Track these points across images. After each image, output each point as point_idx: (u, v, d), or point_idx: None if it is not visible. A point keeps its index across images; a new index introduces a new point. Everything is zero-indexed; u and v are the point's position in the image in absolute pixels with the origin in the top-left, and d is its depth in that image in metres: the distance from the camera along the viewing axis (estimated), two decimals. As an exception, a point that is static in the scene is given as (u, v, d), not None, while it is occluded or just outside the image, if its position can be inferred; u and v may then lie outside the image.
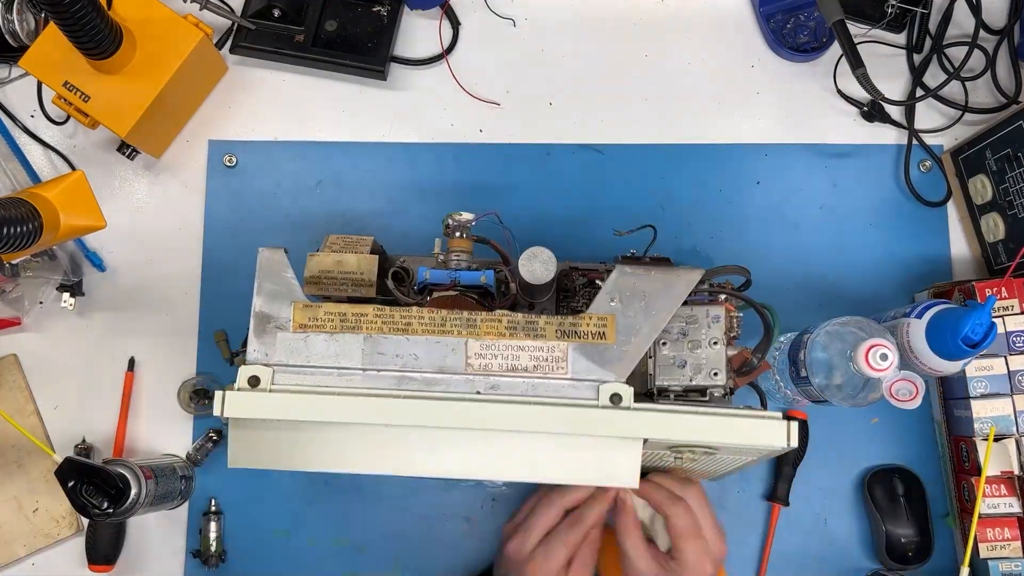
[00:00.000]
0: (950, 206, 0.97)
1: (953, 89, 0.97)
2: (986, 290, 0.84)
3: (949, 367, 0.79)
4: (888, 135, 0.98)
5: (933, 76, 0.98)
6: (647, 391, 0.70)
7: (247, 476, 0.91)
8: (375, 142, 0.98)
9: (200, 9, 0.93)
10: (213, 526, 0.89)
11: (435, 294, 0.71)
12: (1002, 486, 0.84)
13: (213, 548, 0.89)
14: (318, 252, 0.73)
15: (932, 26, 0.99)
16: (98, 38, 0.82)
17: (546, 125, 0.98)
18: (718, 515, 0.76)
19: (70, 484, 0.74)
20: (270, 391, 0.64)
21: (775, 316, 0.71)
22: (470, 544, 0.91)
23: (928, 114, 0.99)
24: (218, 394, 0.64)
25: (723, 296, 0.71)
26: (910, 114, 0.98)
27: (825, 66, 0.98)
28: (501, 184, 0.97)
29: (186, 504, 0.90)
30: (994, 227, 0.91)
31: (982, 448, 0.83)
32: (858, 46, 0.88)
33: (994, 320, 0.74)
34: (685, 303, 0.68)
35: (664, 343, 0.69)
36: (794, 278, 0.95)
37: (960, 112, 0.97)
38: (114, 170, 0.97)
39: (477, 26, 1.00)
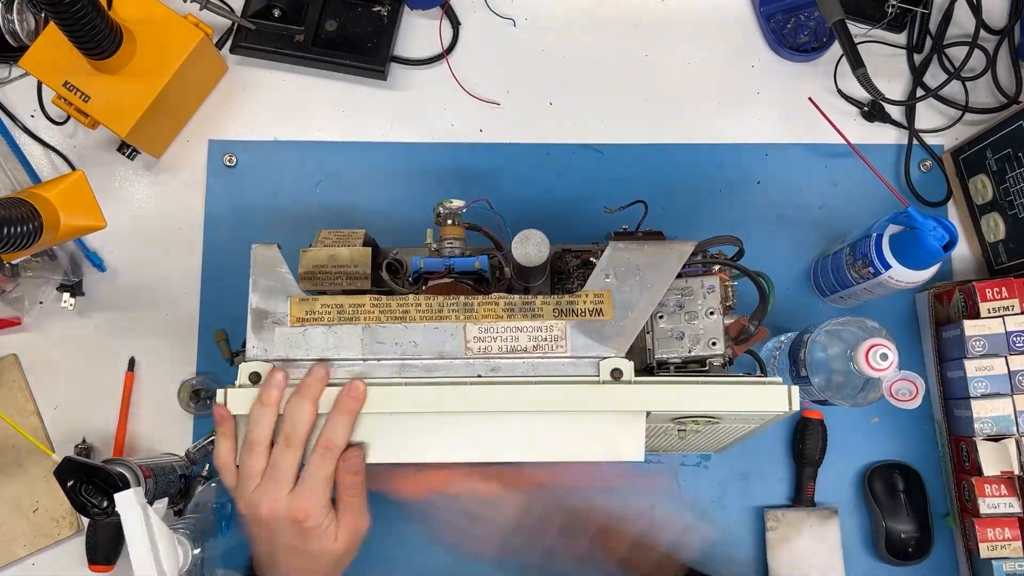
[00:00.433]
0: (950, 206, 0.97)
1: (953, 89, 0.97)
2: (986, 290, 0.84)
3: (924, 275, 0.80)
4: (888, 135, 0.98)
5: (933, 76, 0.98)
6: (646, 366, 0.70)
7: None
8: (375, 142, 0.98)
9: (200, 9, 0.93)
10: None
11: (430, 282, 0.72)
12: (1002, 486, 0.84)
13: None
14: (311, 247, 0.74)
15: (932, 26, 0.99)
16: (98, 38, 0.82)
17: (546, 125, 0.98)
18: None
19: (69, 484, 0.74)
20: None
21: (770, 284, 0.71)
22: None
23: (928, 114, 0.99)
24: (220, 392, 0.64)
25: (717, 267, 0.71)
26: (910, 114, 0.98)
27: (825, 66, 0.98)
28: (501, 184, 0.97)
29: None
30: (994, 227, 0.91)
31: (982, 448, 0.83)
32: (858, 46, 0.88)
33: (948, 223, 0.77)
34: (679, 275, 0.68)
35: (661, 316, 0.69)
36: (794, 278, 0.95)
37: (960, 112, 0.97)
38: (114, 170, 0.97)
39: (477, 26, 1.00)
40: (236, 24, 0.97)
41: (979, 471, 0.84)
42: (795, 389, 0.64)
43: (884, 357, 0.73)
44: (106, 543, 0.87)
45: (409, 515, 0.78)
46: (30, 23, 0.93)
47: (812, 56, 0.98)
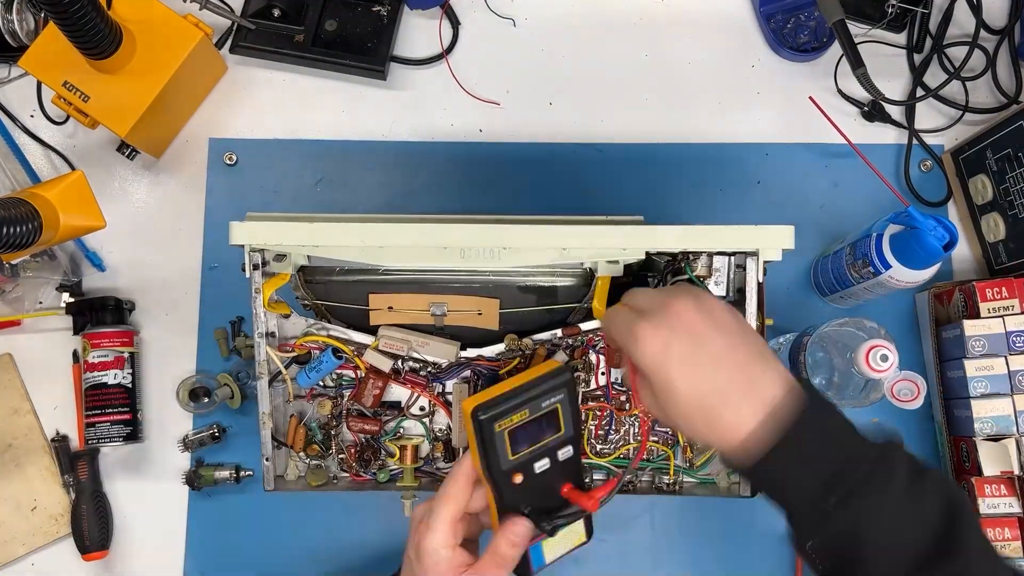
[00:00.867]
0: (950, 206, 0.97)
1: (953, 89, 0.97)
2: (986, 290, 0.84)
3: (924, 274, 0.80)
4: (888, 135, 0.98)
5: (933, 76, 0.98)
6: None
7: (241, 490, 0.91)
8: (375, 141, 0.98)
9: (200, 9, 0.93)
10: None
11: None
12: (1002, 486, 0.84)
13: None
14: None
15: (932, 26, 0.99)
16: (98, 38, 0.81)
17: (546, 125, 0.98)
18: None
19: None
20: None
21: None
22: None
23: (928, 114, 0.99)
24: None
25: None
26: (910, 114, 0.98)
27: (825, 66, 0.98)
28: (501, 184, 0.97)
29: (187, 488, 0.90)
30: (994, 227, 0.91)
31: (982, 448, 0.83)
32: (858, 46, 0.88)
33: (951, 223, 0.76)
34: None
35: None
36: (795, 278, 0.95)
37: (960, 112, 0.97)
38: (114, 170, 0.97)
39: (477, 26, 1.00)
40: (236, 24, 0.97)
41: (979, 471, 0.84)
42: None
43: (884, 358, 0.73)
44: (92, 528, 0.88)
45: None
46: (30, 23, 0.93)
47: (812, 56, 0.98)
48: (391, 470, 0.76)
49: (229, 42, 0.98)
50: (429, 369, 0.75)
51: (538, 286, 0.72)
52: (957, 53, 0.98)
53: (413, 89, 0.99)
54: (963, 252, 0.96)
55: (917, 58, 0.99)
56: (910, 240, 0.77)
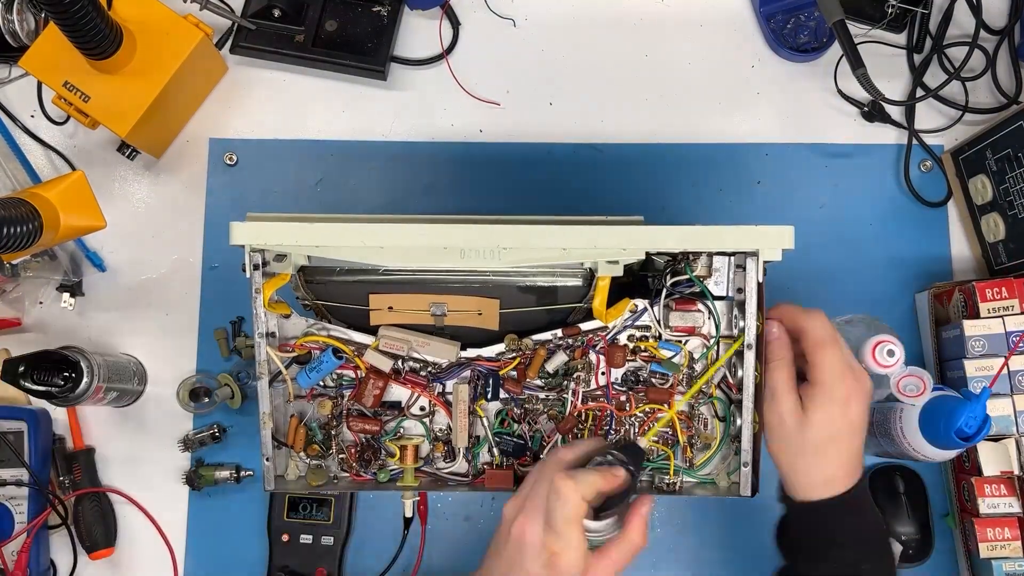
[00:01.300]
0: (950, 206, 0.97)
1: (953, 89, 0.97)
2: (986, 290, 0.84)
3: (940, 455, 0.79)
4: (888, 135, 0.98)
5: (933, 76, 0.98)
6: None
7: (241, 490, 0.91)
8: (375, 141, 0.98)
9: (200, 9, 0.93)
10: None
11: None
12: (1002, 486, 0.84)
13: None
14: None
15: (932, 26, 0.99)
16: (98, 38, 0.82)
17: (546, 125, 0.98)
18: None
19: (21, 370, 0.75)
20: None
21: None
22: (469, 542, 0.91)
23: (928, 114, 0.99)
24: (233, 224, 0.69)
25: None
26: (910, 114, 0.98)
27: (825, 66, 0.98)
28: (501, 184, 0.97)
29: (187, 488, 0.91)
30: (994, 227, 0.91)
31: (982, 448, 0.83)
32: (858, 46, 0.88)
33: (988, 415, 0.73)
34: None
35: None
36: (794, 278, 0.95)
37: (960, 112, 0.97)
38: (114, 170, 0.98)
39: (477, 26, 1.00)
40: (236, 24, 0.97)
41: (979, 471, 0.84)
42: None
43: (891, 353, 0.73)
44: (94, 527, 0.88)
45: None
46: (30, 23, 0.93)
47: (812, 56, 0.98)
48: (391, 470, 0.76)
49: (229, 42, 0.98)
50: (429, 369, 0.75)
51: (538, 286, 0.72)
52: (957, 53, 0.98)
53: (413, 89, 0.99)
54: (963, 252, 0.96)
55: (917, 58, 0.99)
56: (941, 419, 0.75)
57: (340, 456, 0.76)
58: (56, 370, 0.80)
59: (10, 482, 0.87)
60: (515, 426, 0.75)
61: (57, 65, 0.88)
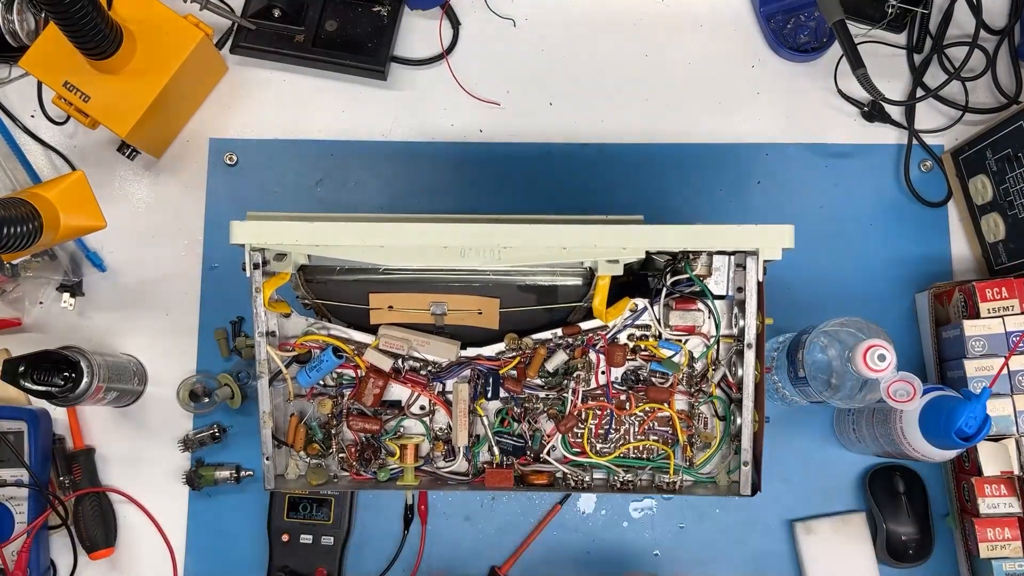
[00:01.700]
0: (950, 206, 0.97)
1: (953, 89, 0.97)
2: (986, 290, 0.84)
3: (940, 455, 0.78)
4: (888, 135, 0.98)
5: (933, 76, 0.98)
6: None
7: (241, 490, 0.91)
8: (375, 141, 0.98)
9: (200, 9, 0.93)
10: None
11: None
12: (1002, 486, 0.84)
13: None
14: None
15: (932, 26, 0.99)
16: (98, 38, 0.82)
17: (546, 125, 0.98)
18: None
19: (21, 370, 0.75)
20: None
21: None
22: (469, 542, 0.91)
23: (928, 114, 0.99)
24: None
25: None
26: (910, 114, 0.98)
27: (825, 66, 0.98)
28: (501, 184, 0.97)
29: (187, 488, 0.91)
30: (994, 227, 0.91)
31: (982, 448, 0.83)
32: (858, 46, 0.88)
33: (988, 415, 0.72)
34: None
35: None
36: (794, 278, 0.95)
37: (960, 112, 0.97)
38: (114, 170, 0.98)
39: (477, 26, 1.00)
40: (236, 24, 0.97)
41: (979, 471, 0.84)
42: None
43: (882, 358, 0.73)
44: (94, 527, 0.88)
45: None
46: (30, 23, 0.93)
47: (812, 56, 0.99)
48: (391, 469, 0.76)
49: (229, 42, 0.98)
50: (429, 368, 0.75)
51: (538, 285, 0.72)
52: (957, 53, 0.98)
53: (413, 89, 0.99)
54: (963, 252, 0.96)
55: (917, 58, 0.99)
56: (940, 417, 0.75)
57: (340, 455, 0.76)
58: (56, 370, 0.80)
59: (10, 482, 0.87)
60: (515, 425, 0.75)
61: (57, 65, 0.88)
